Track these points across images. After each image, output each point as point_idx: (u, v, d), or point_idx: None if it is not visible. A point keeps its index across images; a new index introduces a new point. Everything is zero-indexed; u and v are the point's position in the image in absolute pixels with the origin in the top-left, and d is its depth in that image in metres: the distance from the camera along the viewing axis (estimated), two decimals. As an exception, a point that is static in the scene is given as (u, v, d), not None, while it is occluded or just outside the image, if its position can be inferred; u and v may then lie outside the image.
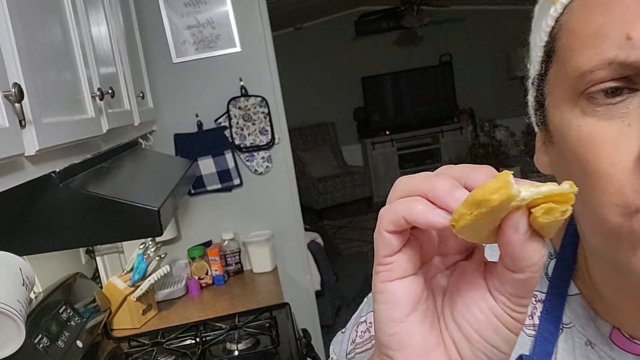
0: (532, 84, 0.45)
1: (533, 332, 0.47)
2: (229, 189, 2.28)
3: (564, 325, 0.46)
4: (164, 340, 1.67)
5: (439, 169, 0.33)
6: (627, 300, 0.42)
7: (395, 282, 0.33)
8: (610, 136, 0.35)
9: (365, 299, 0.62)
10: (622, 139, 0.35)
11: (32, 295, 1.36)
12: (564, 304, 0.46)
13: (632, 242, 0.35)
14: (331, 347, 0.65)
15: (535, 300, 0.48)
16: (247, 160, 2.28)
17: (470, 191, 0.29)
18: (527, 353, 0.46)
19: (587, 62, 0.36)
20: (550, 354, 0.45)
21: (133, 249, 1.89)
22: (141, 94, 1.79)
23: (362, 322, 0.59)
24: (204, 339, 1.64)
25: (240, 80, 2.21)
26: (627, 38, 0.34)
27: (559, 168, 0.42)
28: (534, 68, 0.45)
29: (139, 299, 1.79)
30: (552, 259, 0.49)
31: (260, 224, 2.31)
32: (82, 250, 1.85)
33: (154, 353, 1.59)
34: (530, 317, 0.48)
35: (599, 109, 0.36)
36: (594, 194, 0.36)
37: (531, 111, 0.47)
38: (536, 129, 0.47)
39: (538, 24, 0.44)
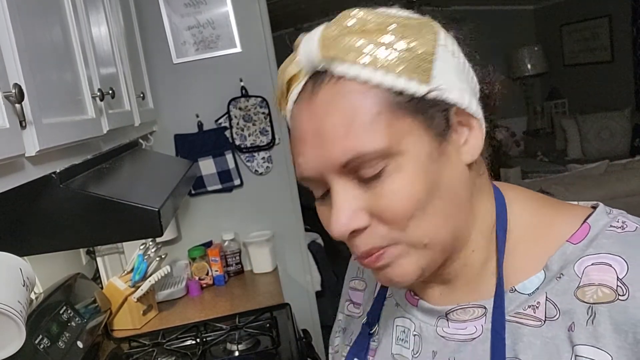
0: None
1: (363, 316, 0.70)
2: (229, 189, 2.28)
3: (388, 297, 0.67)
4: (164, 341, 1.67)
5: None
6: None
7: None
8: (325, 217, 0.53)
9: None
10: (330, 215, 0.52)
11: (33, 296, 1.36)
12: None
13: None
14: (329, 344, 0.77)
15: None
16: (248, 161, 2.28)
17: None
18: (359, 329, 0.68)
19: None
20: (379, 314, 0.67)
21: (133, 250, 1.89)
22: (141, 95, 1.79)
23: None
24: (204, 340, 1.64)
25: (241, 80, 2.21)
26: (298, 164, 0.53)
27: None
28: None
29: (139, 299, 1.79)
30: None
31: (261, 225, 2.31)
32: (82, 251, 1.85)
33: (154, 353, 1.59)
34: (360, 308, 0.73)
35: (317, 200, 0.55)
36: None
37: None
38: None
39: None
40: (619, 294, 0.47)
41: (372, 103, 0.48)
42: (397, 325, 0.63)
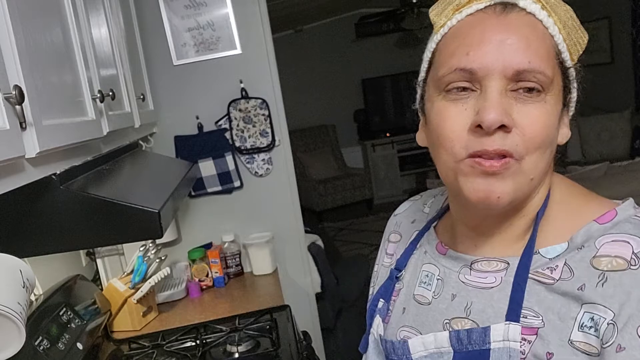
0: (419, 85, 0.69)
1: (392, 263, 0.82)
2: (229, 191, 2.28)
3: (418, 247, 0.78)
4: (164, 343, 1.67)
5: None
6: (457, 224, 0.72)
7: None
8: (453, 113, 0.60)
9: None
10: (459, 117, 0.60)
11: (33, 298, 1.35)
12: (423, 235, 0.79)
13: (460, 175, 0.61)
14: None
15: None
16: (248, 162, 2.28)
17: None
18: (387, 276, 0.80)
19: (444, 70, 0.61)
20: (407, 261, 0.78)
21: (133, 251, 1.89)
22: (142, 96, 1.79)
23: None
24: (204, 341, 1.63)
25: (241, 82, 2.21)
26: (466, 54, 0.59)
27: (429, 140, 0.67)
28: (421, 74, 0.68)
29: (139, 301, 1.79)
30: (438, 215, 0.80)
31: (261, 226, 2.31)
32: (82, 253, 1.85)
33: (154, 355, 1.59)
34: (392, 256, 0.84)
35: (452, 96, 0.61)
36: (440, 150, 0.62)
37: (417, 102, 0.69)
38: (420, 115, 0.70)
39: (428, 46, 0.67)
40: (631, 264, 0.55)
41: (547, 46, 0.60)
42: (422, 271, 0.74)
